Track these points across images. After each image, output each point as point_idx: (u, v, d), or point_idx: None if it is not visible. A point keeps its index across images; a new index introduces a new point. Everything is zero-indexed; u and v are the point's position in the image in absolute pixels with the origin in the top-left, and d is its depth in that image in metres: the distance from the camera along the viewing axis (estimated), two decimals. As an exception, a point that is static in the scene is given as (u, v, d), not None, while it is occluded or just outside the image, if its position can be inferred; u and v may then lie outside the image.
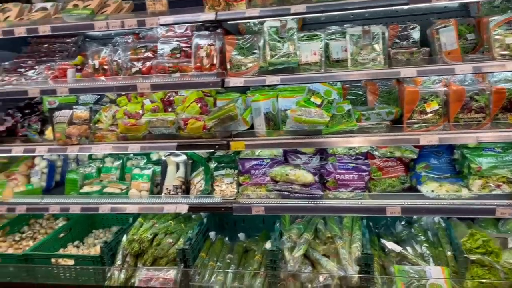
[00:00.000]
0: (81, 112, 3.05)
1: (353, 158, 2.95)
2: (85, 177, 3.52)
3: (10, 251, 3.34)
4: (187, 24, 2.94)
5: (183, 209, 2.97)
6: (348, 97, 3.15)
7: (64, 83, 3.00)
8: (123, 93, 3.36)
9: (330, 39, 2.82)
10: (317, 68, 2.74)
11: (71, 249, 3.47)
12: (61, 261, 3.19)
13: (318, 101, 2.80)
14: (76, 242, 3.59)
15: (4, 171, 3.85)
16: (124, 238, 3.22)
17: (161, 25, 2.70)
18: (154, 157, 3.45)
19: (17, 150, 3.12)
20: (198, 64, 2.83)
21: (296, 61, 2.69)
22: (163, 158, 3.28)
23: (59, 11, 3.23)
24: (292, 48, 2.69)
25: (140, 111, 3.13)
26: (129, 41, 3.28)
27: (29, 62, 3.36)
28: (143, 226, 3.29)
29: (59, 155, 3.76)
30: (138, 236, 3.13)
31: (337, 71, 2.66)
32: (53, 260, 3.14)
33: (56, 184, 3.72)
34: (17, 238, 3.57)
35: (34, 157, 3.79)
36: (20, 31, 2.86)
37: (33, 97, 3.66)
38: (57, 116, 3.07)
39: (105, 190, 3.29)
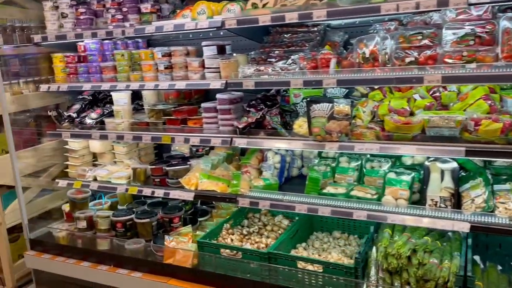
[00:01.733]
0: (343, 106, 2.76)
1: None
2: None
3: (248, 246, 3.25)
4: (487, 5, 2.40)
5: (463, 227, 2.48)
6: None
7: (325, 74, 2.75)
8: (376, 87, 3.01)
9: None
10: None
11: (302, 252, 3.25)
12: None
13: None
14: (303, 244, 3.37)
15: (231, 163, 3.86)
16: (374, 250, 2.87)
17: (471, 4, 2.22)
18: (407, 161, 3.02)
19: (268, 144, 2.98)
20: (507, 52, 2.28)
21: None
22: (426, 163, 2.82)
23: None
24: None
25: (407, 108, 2.72)
26: (392, 28, 2.89)
27: (276, 52, 3.21)
28: (394, 238, 2.89)
29: (286, 151, 3.59)
30: (395, 251, 2.73)
31: None
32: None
33: (284, 180, 3.56)
34: (244, 232, 3.50)
35: (261, 150, 3.71)
36: (291, 17, 2.67)
37: (270, 88, 3.56)
38: (315, 109, 2.83)
39: (352, 193, 2.98)
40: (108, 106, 4.10)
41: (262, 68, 3.03)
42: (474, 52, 2.38)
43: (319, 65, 2.83)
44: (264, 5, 3.04)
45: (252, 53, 3.28)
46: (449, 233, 2.96)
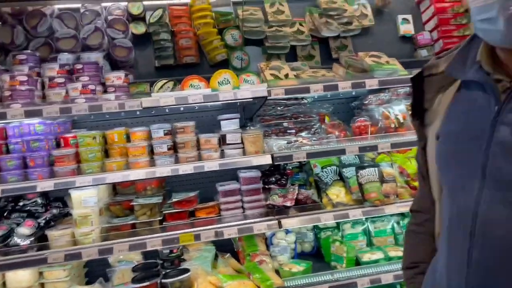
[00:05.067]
0: (389, 169, 2.88)
1: None
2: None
3: None
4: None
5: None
6: None
7: (364, 140, 2.84)
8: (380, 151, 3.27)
9: None
10: None
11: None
12: None
13: None
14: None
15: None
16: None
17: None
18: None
19: (323, 219, 2.74)
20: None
21: None
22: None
23: None
24: None
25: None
26: (385, 98, 3.27)
27: (285, 124, 3.07)
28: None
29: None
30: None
31: None
32: None
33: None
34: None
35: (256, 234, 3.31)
36: (344, 86, 2.68)
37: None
38: (363, 175, 2.83)
39: (390, 255, 3.02)
40: (17, 215, 2.85)
41: (295, 139, 2.85)
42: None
43: (357, 132, 2.90)
44: (285, 76, 2.93)
45: (258, 126, 3.02)
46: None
